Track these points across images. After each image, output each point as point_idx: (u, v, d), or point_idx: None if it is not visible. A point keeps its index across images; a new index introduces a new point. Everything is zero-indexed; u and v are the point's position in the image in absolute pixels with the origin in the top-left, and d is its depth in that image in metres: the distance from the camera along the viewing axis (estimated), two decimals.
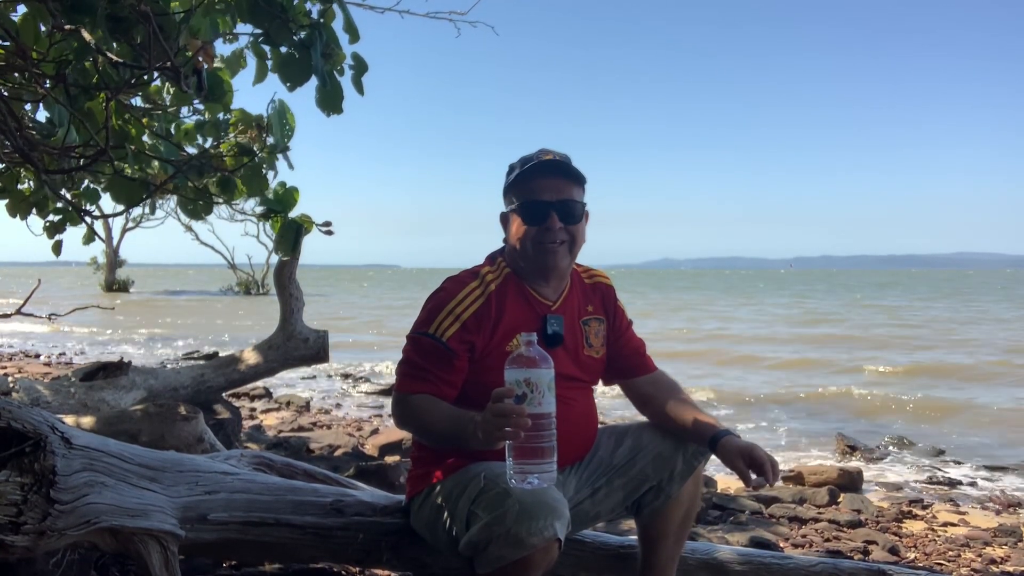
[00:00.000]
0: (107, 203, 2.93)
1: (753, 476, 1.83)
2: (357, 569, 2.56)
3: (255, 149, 2.45)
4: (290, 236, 2.48)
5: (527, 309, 1.98)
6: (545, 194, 1.93)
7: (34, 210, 3.18)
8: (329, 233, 2.54)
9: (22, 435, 1.61)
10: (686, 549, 2.22)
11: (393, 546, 2.10)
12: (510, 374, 1.62)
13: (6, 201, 3.10)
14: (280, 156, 2.52)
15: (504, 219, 2.05)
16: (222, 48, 2.50)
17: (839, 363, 11.48)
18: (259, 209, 2.55)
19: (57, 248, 3.30)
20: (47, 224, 3.28)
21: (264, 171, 2.48)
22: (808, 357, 12.28)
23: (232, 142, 2.50)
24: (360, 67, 2.31)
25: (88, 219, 2.81)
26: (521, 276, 2.01)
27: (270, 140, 2.47)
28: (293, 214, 2.53)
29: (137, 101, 2.71)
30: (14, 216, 3.14)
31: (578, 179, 1.97)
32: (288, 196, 2.49)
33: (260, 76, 2.38)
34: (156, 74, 1.96)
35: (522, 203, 1.94)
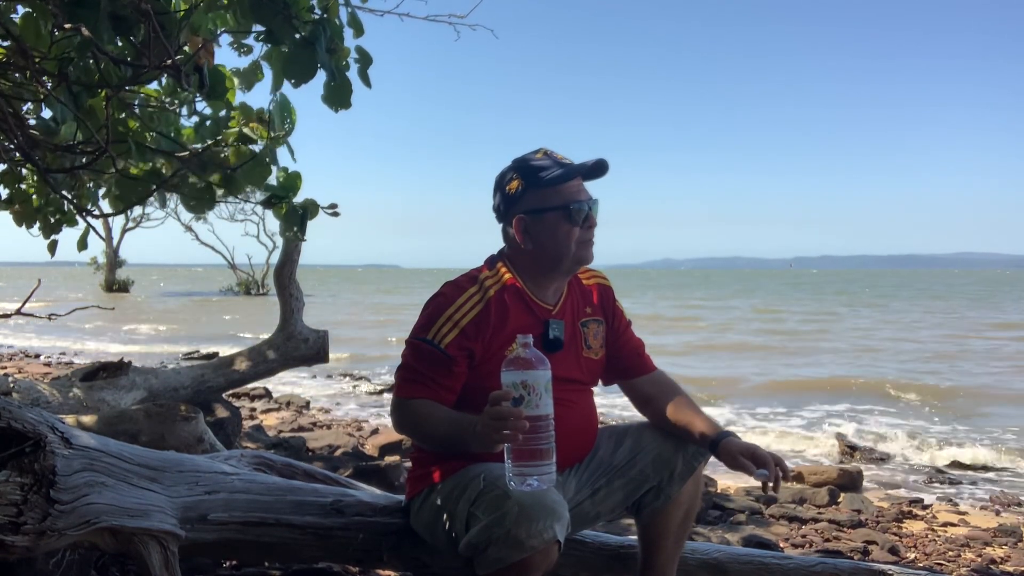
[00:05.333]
0: (107, 203, 2.92)
1: (758, 471, 1.83)
2: (357, 569, 2.56)
3: (256, 138, 2.44)
4: (295, 219, 2.47)
5: (527, 315, 1.97)
6: (582, 194, 1.96)
7: (36, 216, 3.18)
8: (335, 214, 2.52)
9: (22, 435, 1.61)
10: (686, 549, 2.21)
11: (393, 546, 2.09)
12: (507, 377, 1.62)
13: (12, 209, 3.10)
14: (281, 145, 2.51)
15: (529, 223, 1.96)
16: (238, 61, 2.49)
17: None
18: (263, 196, 2.53)
19: (52, 248, 3.30)
20: (43, 225, 3.28)
21: (266, 161, 2.47)
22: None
23: (233, 132, 2.49)
24: (365, 60, 2.29)
25: (88, 218, 2.80)
26: (524, 282, 2.00)
27: (272, 134, 2.46)
28: (297, 200, 2.51)
29: (138, 100, 2.71)
30: (20, 226, 3.14)
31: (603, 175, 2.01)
32: (291, 181, 2.48)
33: (277, 84, 2.35)
34: (160, 74, 1.96)
35: (567, 206, 1.93)
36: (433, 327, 1.90)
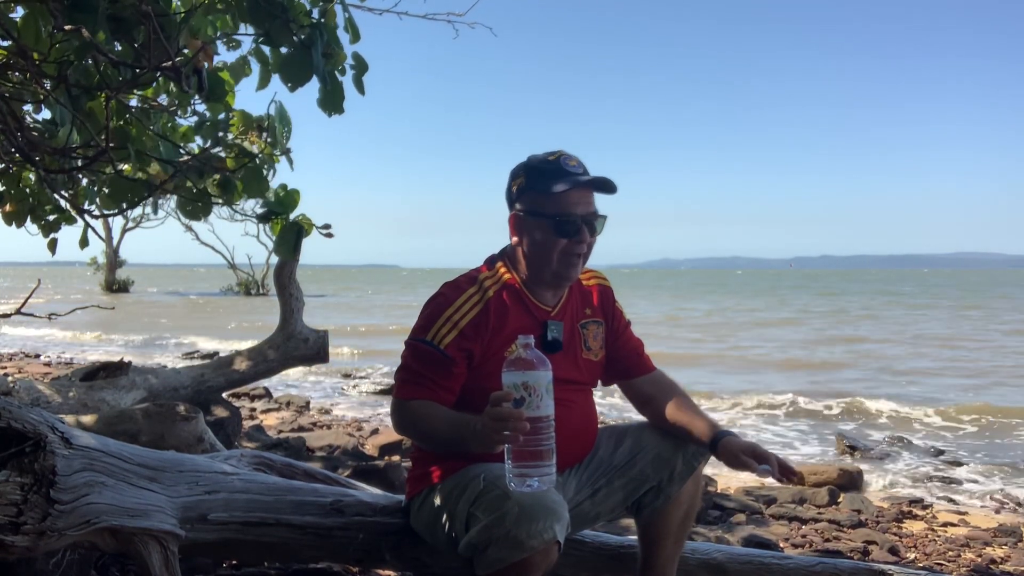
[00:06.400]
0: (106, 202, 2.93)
1: (760, 466, 1.83)
2: (357, 569, 2.56)
3: (255, 151, 2.45)
4: (290, 238, 2.48)
5: (526, 316, 1.97)
6: (578, 207, 1.91)
7: (29, 217, 3.18)
8: (329, 236, 2.54)
9: (22, 435, 1.61)
10: (686, 549, 2.22)
11: (393, 546, 2.10)
12: (508, 377, 1.62)
13: (3, 209, 3.10)
14: (281, 157, 2.52)
15: (520, 223, 1.98)
16: (226, 55, 2.50)
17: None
18: (260, 211, 2.54)
19: (52, 247, 3.30)
20: (42, 224, 3.28)
21: (265, 172, 2.48)
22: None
23: (232, 142, 2.50)
24: (361, 67, 2.31)
25: (87, 218, 2.80)
26: (525, 281, 2.00)
27: (270, 141, 2.47)
28: (293, 215, 2.52)
29: (136, 101, 2.71)
30: (10, 224, 3.13)
31: (612, 193, 1.95)
32: (289, 198, 2.49)
33: (263, 82, 2.37)
34: (158, 74, 1.96)
35: (556, 216, 1.90)
36: (432, 328, 1.91)
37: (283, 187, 2.51)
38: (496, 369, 1.67)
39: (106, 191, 2.71)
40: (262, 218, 2.48)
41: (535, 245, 1.95)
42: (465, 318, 1.90)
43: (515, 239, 2.00)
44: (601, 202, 1.99)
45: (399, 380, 1.94)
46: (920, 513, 4.20)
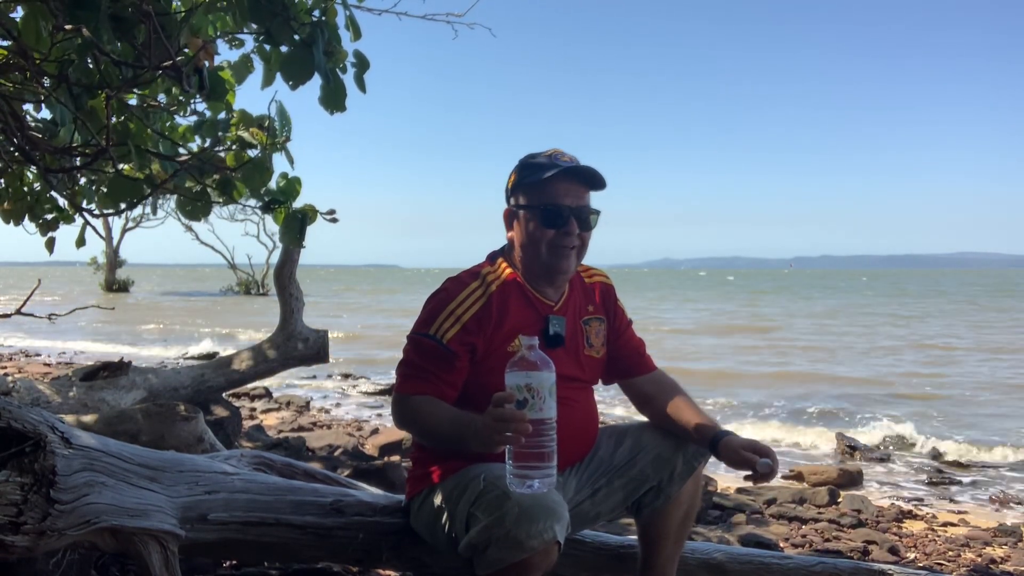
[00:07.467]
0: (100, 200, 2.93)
1: (760, 460, 1.83)
2: (357, 569, 2.56)
3: (256, 143, 2.44)
4: (295, 226, 2.46)
5: (529, 310, 1.98)
6: (567, 199, 1.92)
7: (27, 214, 3.18)
8: (334, 221, 2.52)
9: (22, 435, 1.61)
10: (686, 549, 2.22)
11: (393, 546, 2.10)
12: (511, 378, 1.61)
13: (1, 207, 3.10)
14: (281, 151, 2.51)
15: (513, 217, 2.01)
16: (229, 54, 2.49)
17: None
18: (262, 201, 2.53)
19: (50, 245, 3.29)
20: (40, 222, 3.28)
21: (265, 165, 2.47)
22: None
23: (233, 137, 2.49)
24: (362, 64, 2.31)
25: (86, 216, 2.80)
26: (523, 276, 2.00)
27: (269, 140, 2.46)
28: (296, 204, 2.51)
29: (136, 100, 2.71)
30: (8, 223, 3.13)
31: (601, 187, 1.96)
32: (290, 186, 2.48)
33: (268, 80, 2.36)
34: (158, 73, 1.96)
35: (543, 207, 1.92)
36: (435, 322, 1.91)
37: (284, 176, 2.50)
38: (498, 365, 1.67)
39: (104, 190, 2.71)
40: (265, 208, 2.47)
41: (526, 237, 1.96)
42: (468, 312, 1.91)
43: (510, 234, 2.03)
44: (599, 201, 2.00)
45: (401, 375, 1.94)
46: (920, 513, 4.21)
